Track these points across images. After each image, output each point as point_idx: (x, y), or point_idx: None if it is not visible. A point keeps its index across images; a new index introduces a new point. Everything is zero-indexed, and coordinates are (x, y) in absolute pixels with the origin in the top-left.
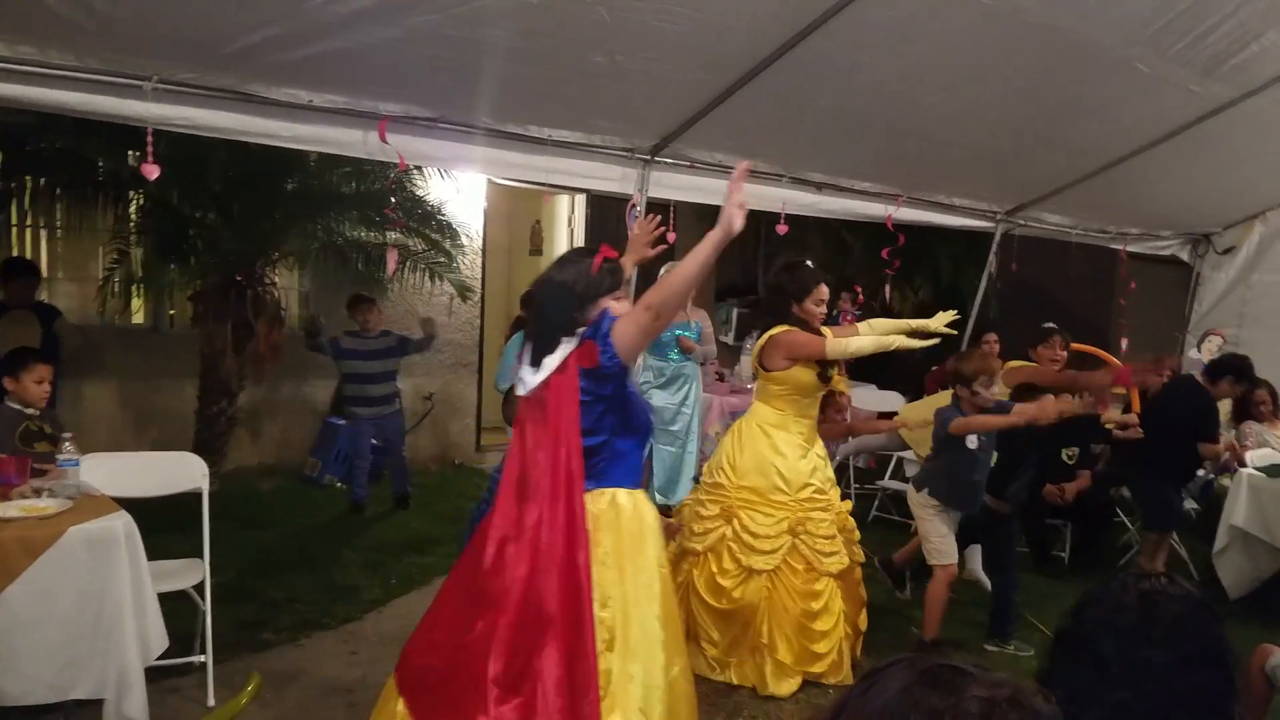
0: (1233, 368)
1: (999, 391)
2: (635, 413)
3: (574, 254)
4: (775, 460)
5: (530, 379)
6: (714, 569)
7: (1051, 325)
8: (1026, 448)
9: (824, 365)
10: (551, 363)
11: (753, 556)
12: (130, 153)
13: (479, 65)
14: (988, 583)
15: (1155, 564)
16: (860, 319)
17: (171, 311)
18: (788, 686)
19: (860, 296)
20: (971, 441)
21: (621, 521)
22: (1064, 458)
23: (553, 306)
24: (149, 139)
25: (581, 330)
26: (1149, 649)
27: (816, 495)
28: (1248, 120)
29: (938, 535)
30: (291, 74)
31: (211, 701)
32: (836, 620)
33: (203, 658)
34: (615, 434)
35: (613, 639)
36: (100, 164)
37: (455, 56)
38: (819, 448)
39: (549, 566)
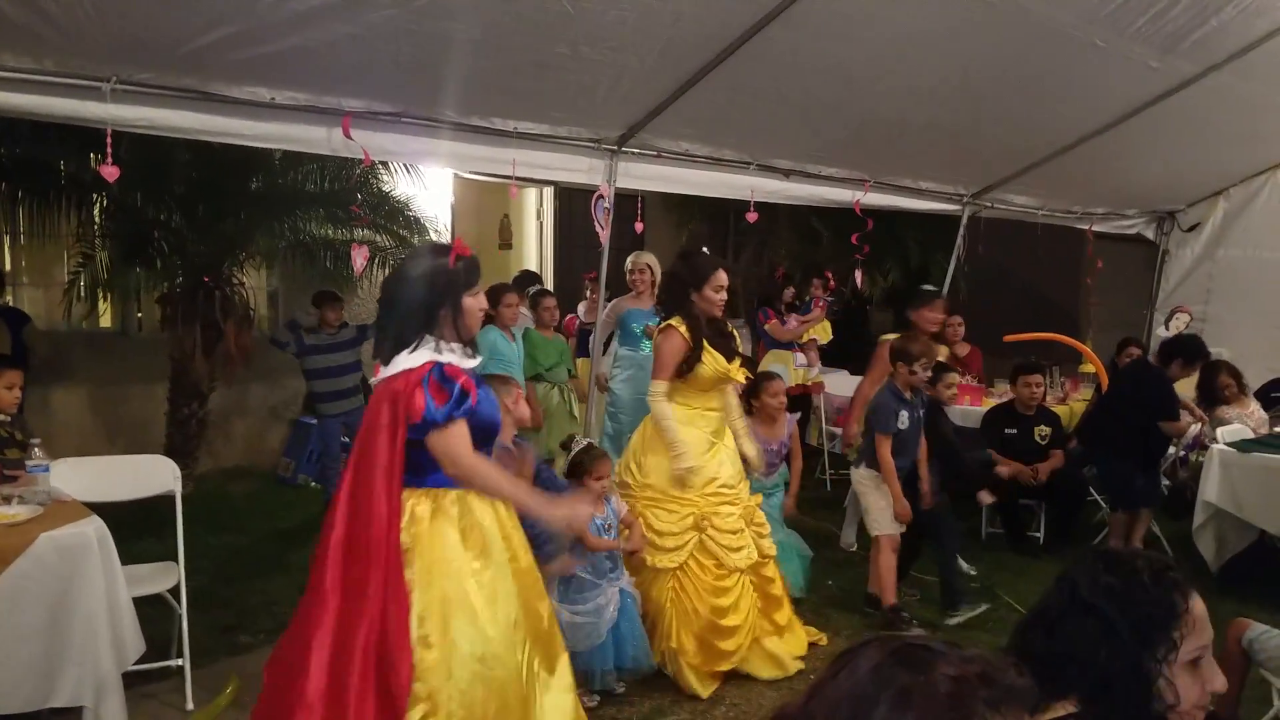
0: (1182, 349)
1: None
2: (488, 418)
3: (429, 249)
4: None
5: (382, 372)
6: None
7: (933, 289)
8: (937, 443)
9: (707, 361)
10: (405, 361)
11: (658, 555)
12: (92, 155)
13: (441, 59)
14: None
15: (1122, 543)
16: (831, 305)
17: (139, 315)
18: (707, 688)
19: (831, 282)
20: (902, 421)
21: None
22: (1037, 438)
23: (409, 301)
24: (108, 141)
25: (443, 343)
26: (1128, 619)
27: (723, 489)
28: (1208, 96)
29: (877, 508)
30: (251, 72)
31: (190, 706)
32: (746, 616)
33: (180, 662)
34: None
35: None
36: (62, 168)
37: (416, 51)
38: (727, 440)
39: (365, 565)
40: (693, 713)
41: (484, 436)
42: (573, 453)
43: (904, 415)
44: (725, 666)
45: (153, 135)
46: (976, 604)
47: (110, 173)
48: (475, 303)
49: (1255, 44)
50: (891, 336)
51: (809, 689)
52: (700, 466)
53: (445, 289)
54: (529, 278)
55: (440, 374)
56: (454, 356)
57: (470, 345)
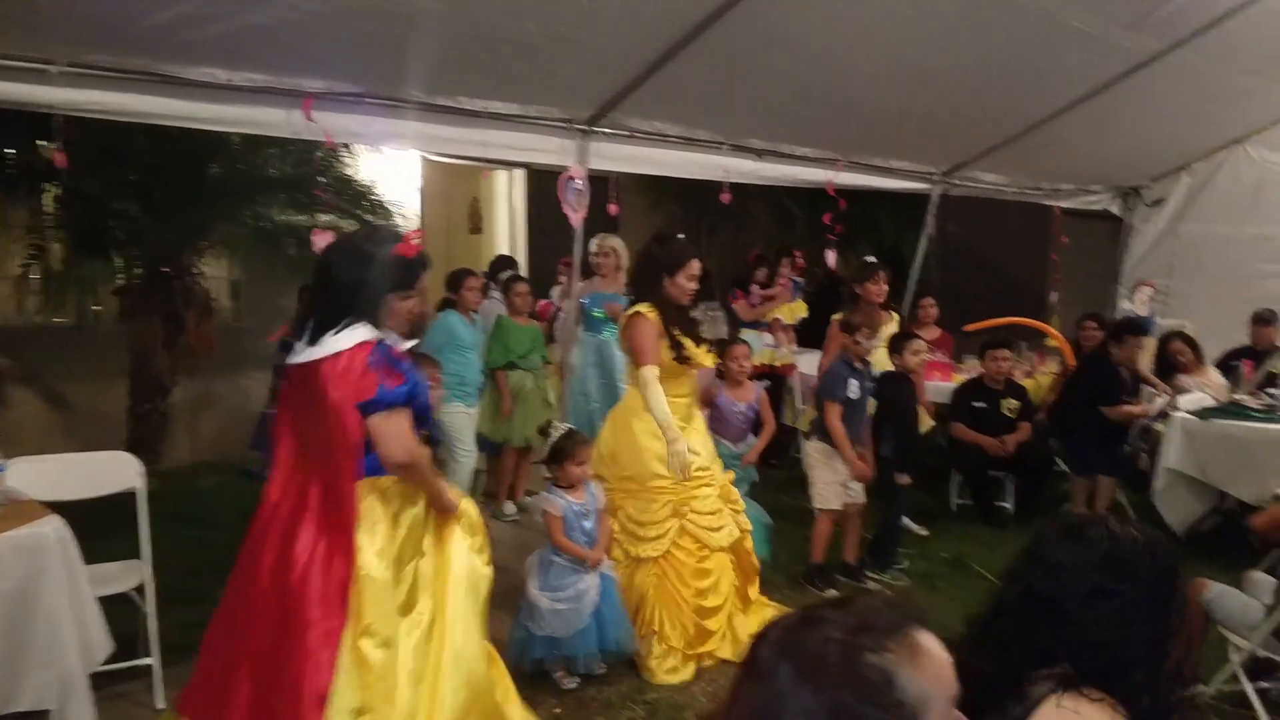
0: (1110, 332)
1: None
2: (422, 403)
3: (389, 234)
4: (653, 446)
5: (306, 352)
6: None
7: (874, 260)
8: (887, 415)
9: (677, 348)
10: (333, 344)
11: (640, 545)
12: (42, 143)
13: (405, 36)
14: (918, 529)
15: (1079, 508)
16: (801, 286)
17: (97, 307)
18: (679, 675)
19: (800, 261)
20: (852, 391)
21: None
22: (1005, 411)
23: (361, 282)
24: (59, 126)
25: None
26: (1114, 583)
27: (698, 473)
28: (1173, 73)
29: (823, 482)
30: (207, 53)
31: (160, 705)
32: (725, 596)
33: (149, 660)
34: None
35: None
36: (11, 155)
37: (379, 28)
38: (697, 423)
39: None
40: (672, 689)
41: (419, 421)
42: (553, 438)
43: (854, 385)
44: (708, 647)
45: (106, 120)
46: (898, 576)
47: (60, 159)
48: (405, 306)
49: (1217, 21)
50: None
51: (728, 699)
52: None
53: (377, 283)
54: (504, 263)
55: (386, 354)
56: (390, 338)
57: (409, 331)
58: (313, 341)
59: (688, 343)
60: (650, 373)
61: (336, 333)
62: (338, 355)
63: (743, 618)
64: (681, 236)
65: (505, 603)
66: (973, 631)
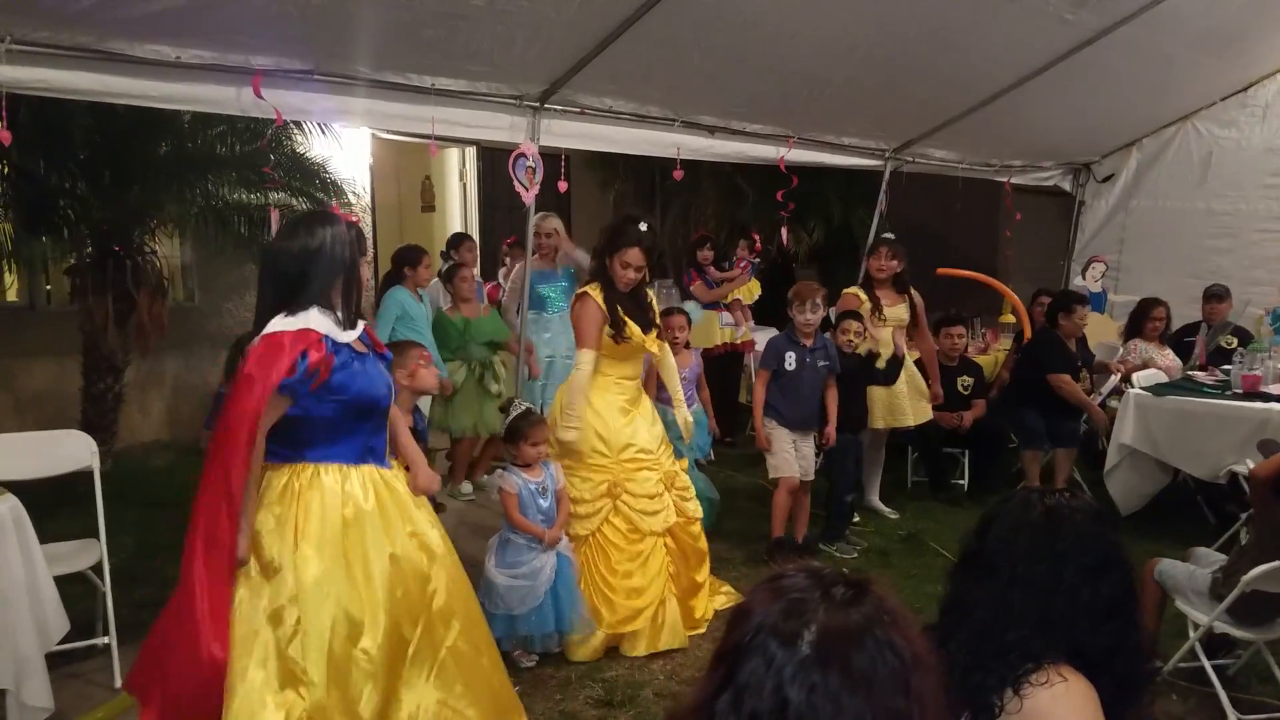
0: (1058, 303)
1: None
2: (356, 393)
3: (322, 216)
4: (594, 423)
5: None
6: None
7: (889, 236)
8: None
9: (617, 326)
10: (281, 324)
11: (572, 522)
12: None
13: (352, 11)
14: (888, 511)
15: (1033, 482)
16: (757, 265)
17: (47, 287)
18: (586, 651)
19: (758, 244)
20: (789, 363)
21: (325, 499)
22: (960, 388)
23: (303, 268)
24: (1, 104)
25: (323, 310)
26: (1057, 561)
27: (640, 455)
28: (1120, 49)
29: (776, 454)
30: (152, 29)
31: (118, 684)
32: (653, 578)
33: (106, 640)
34: (318, 410)
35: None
36: None
37: (325, 4)
38: (644, 408)
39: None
40: (630, 667)
41: (360, 412)
42: (510, 417)
43: (790, 357)
44: (632, 627)
45: (51, 97)
46: (848, 550)
47: (4, 137)
48: (365, 272)
49: None
50: (853, 290)
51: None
52: (578, 440)
53: (344, 258)
54: (460, 240)
55: (292, 339)
56: (330, 324)
57: (356, 314)
58: (262, 325)
59: (634, 327)
60: (585, 355)
61: (290, 315)
62: (278, 335)
63: (691, 601)
64: (643, 225)
65: None
66: (940, 618)
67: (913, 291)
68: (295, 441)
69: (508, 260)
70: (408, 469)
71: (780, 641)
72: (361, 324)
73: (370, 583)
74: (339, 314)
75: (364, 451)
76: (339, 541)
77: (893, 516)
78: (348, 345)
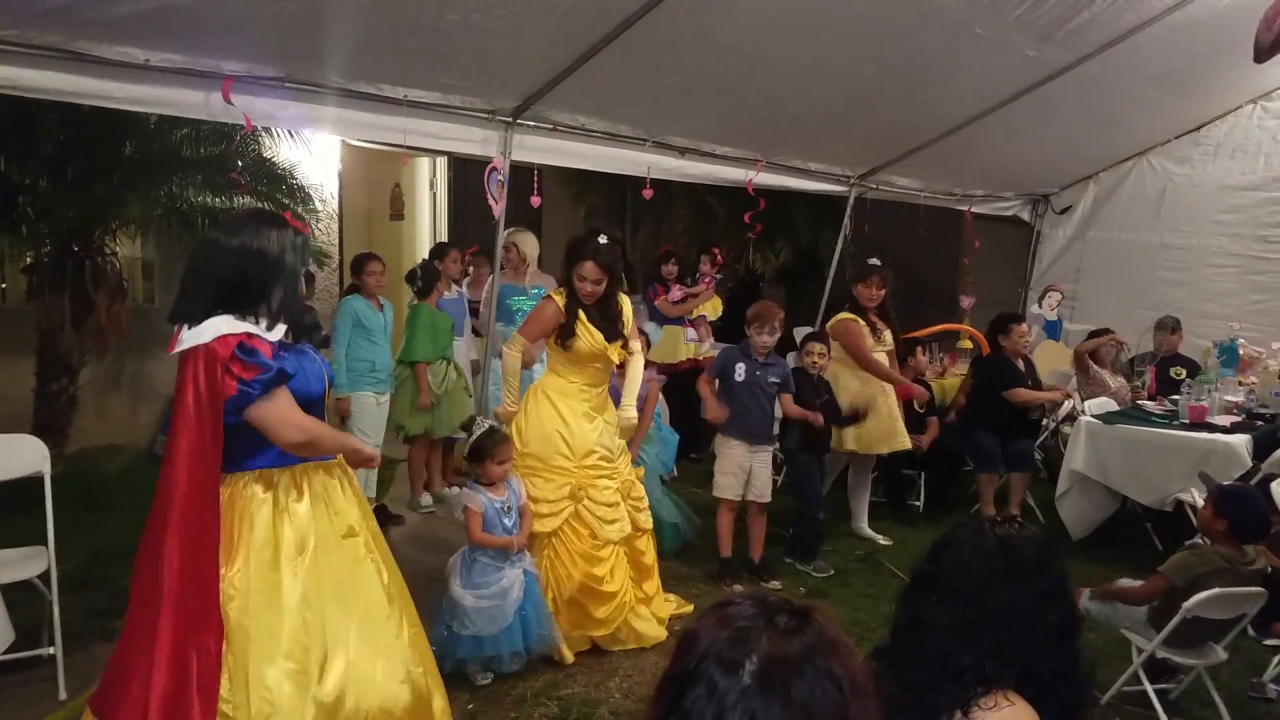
0: (995, 327)
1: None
2: (294, 394)
3: (268, 218)
4: (559, 429)
5: (186, 341)
6: None
7: (875, 263)
8: (800, 403)
9: (565, 335)
10: (207, 332)
11: (535, 521)
12: None
13: (325, 20)
14: (880, 538)
15: (988, 505)
16: (720, 281)
17: (3, 285)
18: (571, 652)
19: (719, 258)
20: (738, 374)
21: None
22: (915, 407)
23: (240, 269)
24: None
25: (249, 316)
26: (1011, 588)
27: (601, 463)
28: (1081, 85)
29: (720, 471)
30: (122, 31)
31: (63, 695)
32: (621, 586)
33: (52, 650)
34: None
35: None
36: None
37: (299, 11)
38: (609, 415)
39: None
40: (587, 685)
41: (305, 408)
42: (474, 435)
43: (740, 368)
44: (598, 633)
45: (16, 96)
46: (824, 569)
47: None
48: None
49: (1123, 36)
50: (848, 316)
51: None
52: (505, 424)
53: (289, 266)
54: (444, 250)
55: (243, 348)
56: (254, 328)
57: (292, 322)
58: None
59: (595, 334)
60: (514, 343)
61: (195, 325)
62: (199, 350)
63: (646, 609)
64: (602, 239)
65: (415, 597)
66: (892, 638)
67: (890, 319)
68: (231, 453)
69: (471, 270)
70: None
71: (723, 670)
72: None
73: (295, 592)
74: (265, 320)
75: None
76: (266, 555)
77: (885, 543)
78: (279, 342)
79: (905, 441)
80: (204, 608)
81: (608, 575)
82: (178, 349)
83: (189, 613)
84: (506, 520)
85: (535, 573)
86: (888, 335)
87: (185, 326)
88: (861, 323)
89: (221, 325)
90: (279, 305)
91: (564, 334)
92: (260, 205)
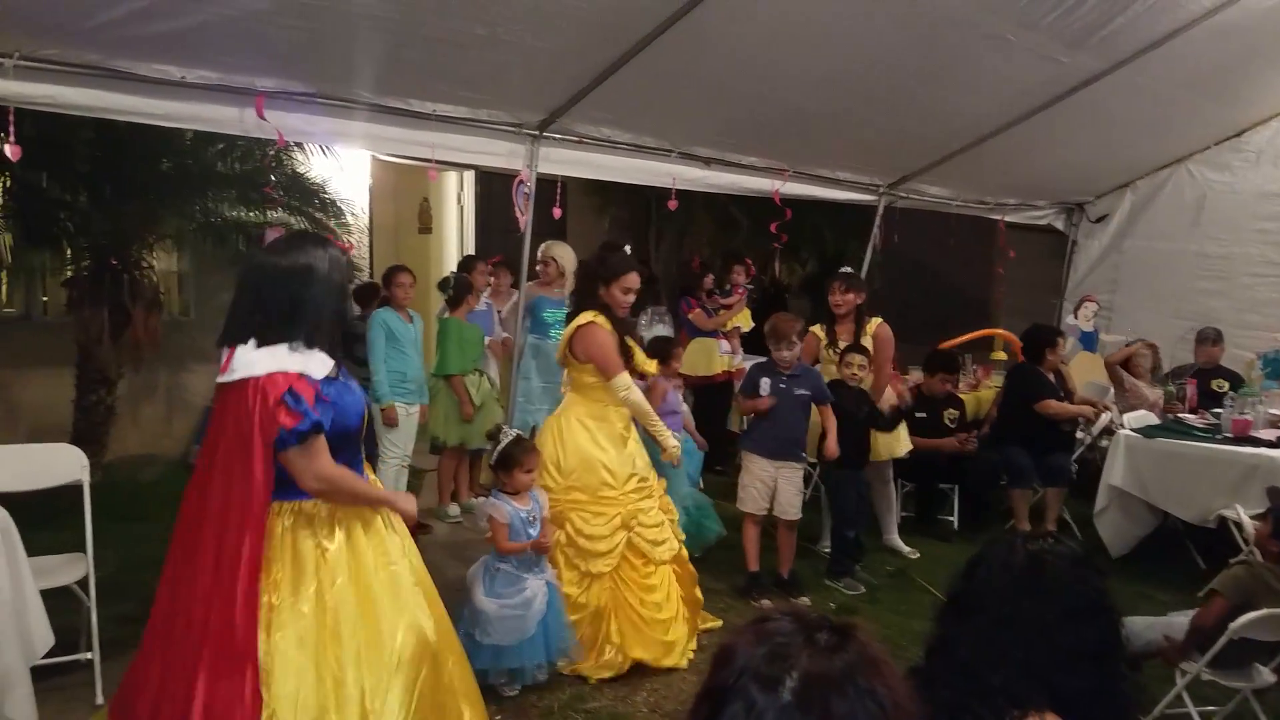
0: (1043, 339)
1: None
2: (335, 430)
3: (319, 240)
4: (599, 456)
5: (236, 370)
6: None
7: (845, 271)
8: (836, 415)
9: (626, 356)
10: (262, 364)
11: (591, 560)
12: None
13: (355, 37)
14: (908, 551)
15: (1021, 520)
16: (751, 293)
17: (44, 299)
18: (608, 670)
19: (751, 269)
20: (764, 389)
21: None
22: (946, 420)
23: (294, 295)
24: (10, 119)
25: (301, 346)
26: (1040, 606)
27: (641, 484)
28: (1116, 91)
29: (743, 485)
30: (160, 49)
31: (100, 700)
32: (677, 606)
33: (89, 655)
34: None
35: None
36: None
37: (329, 28)
38: (636, 434)
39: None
40: (614, 699)
41: (340, 444)
42: (501, 444)
43: (765, 383)
44: (670, 660)
45: (56, 113)
46: (855, 586)
47: (14, 152)
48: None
49: (1160, 41)
50: (816, 328)
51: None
52: (679, 444)
53: (338, 287)
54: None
55: (292, 393)
56: (310, 362)
57: (338, 343)
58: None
59: (635, 350)
60: (627, 379)
61: (266, 347)
62: (256, 385)
63: (694, 619)
64: (627, 249)
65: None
66: (926, 659)
67: (876, 323)
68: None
69: (491, 280)
70: None
71: (762, 686)
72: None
73: (338, 632)
74: (320, 345)
75: None
76: (310, 587)
77: (913, 556)
78: (325, 378)
79: (905, 444)
80: (239, 638)
81: (665, 599)
82: (228, 377)
83: (221, 647)
84: (531, 530)
85: (557, 584)
86: (865, 343)
87: (236, 351)
88: (821, 334)
89: (275, 360)
90: (328, 324)
91: (626, 356)
92: (296, 222)
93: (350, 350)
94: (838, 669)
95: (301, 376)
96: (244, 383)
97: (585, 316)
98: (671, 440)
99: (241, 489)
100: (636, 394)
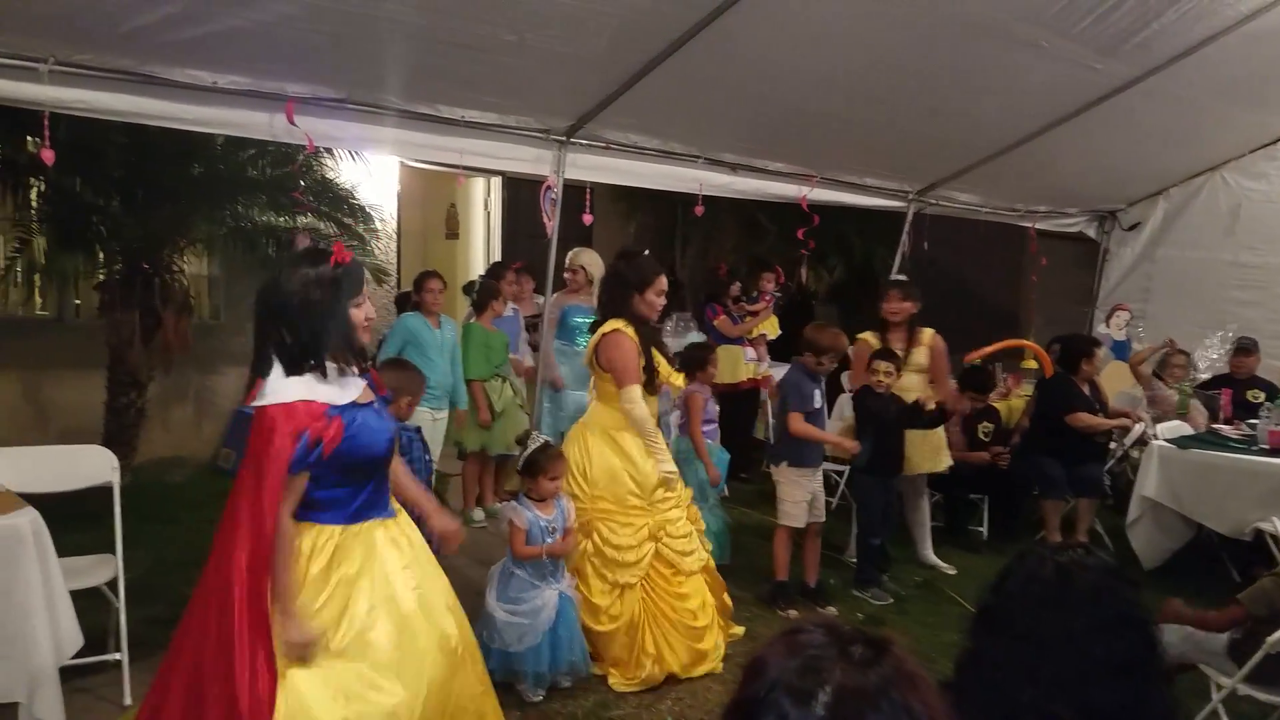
0: (1081, 348)
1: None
2: (356, 454)
3: (305, 256)
4: (625, 466)
5: (266, 397)
6: (584, 590)
7: (900, 278)
8: (865, 422)
9: (649, 372)
10: (281, 392)
11: (619, 571)
12: (29, 138)
13: (384, 43)
14: (945, 566)
15: (1053, 532)
16: (779, 299)
17: (77, 302)
18: (637, 683)
19: (780, 277)
20: (816, 400)
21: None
22: (980, 434)
23: (289, 318)
24: (45, 123)
25: (316, 372)
26: (1068, 618)
27: (668, 494)
28: (1149, 98)
29: (791, 500)
30: (192, 55)
31: (128, 700)
32: (712, 614)
33: (118, 656)
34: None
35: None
36: None
37: (359, 34)
38: (663, 443)
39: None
40: (638, 706)
41: (359, 472)
42: (529, 450)
43: (817, 394)
44: (704, 668)
45: (90, 118)
46: (881, 597)
47: (48, 156)
48: (360, 313)
49: (1194, 48)
50: (867, 335)
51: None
52: (675, 471)
53: (328, 302)
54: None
55: (310, 430)
56: (328, 388)
57: (359, 357)
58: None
59: (662, 360)
60: (636, 392)
61: (285, 375)
62: (279, 411)
63: (727, 628)
64: (646, 253)
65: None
66: (956, 674)
67: (930, 334)
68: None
69: (513, 288)
70: (418, 520)
71: (794, 700)
72: (362, 380)
73: (362, 652)
74: (339, 366)
75: (359, 509)
76: (330, 610)
77: (950, 571)
78: (350, 403)
79: (947, 460)
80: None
81: (701, 607)
82: (260, 402)
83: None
84: (550, 540)
85: (573, 596)
86: (917, 354)
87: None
88: (874, 342)
89: (303, 389)
90: (337, 343)
91: (649, 373)
92: (325, 228)
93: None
94: (872, 683)
95: (297, 403)
96: (278, 406)
97: (611, 324)
98: (668, 465)
99: (252, 507)
100: (641, 410)
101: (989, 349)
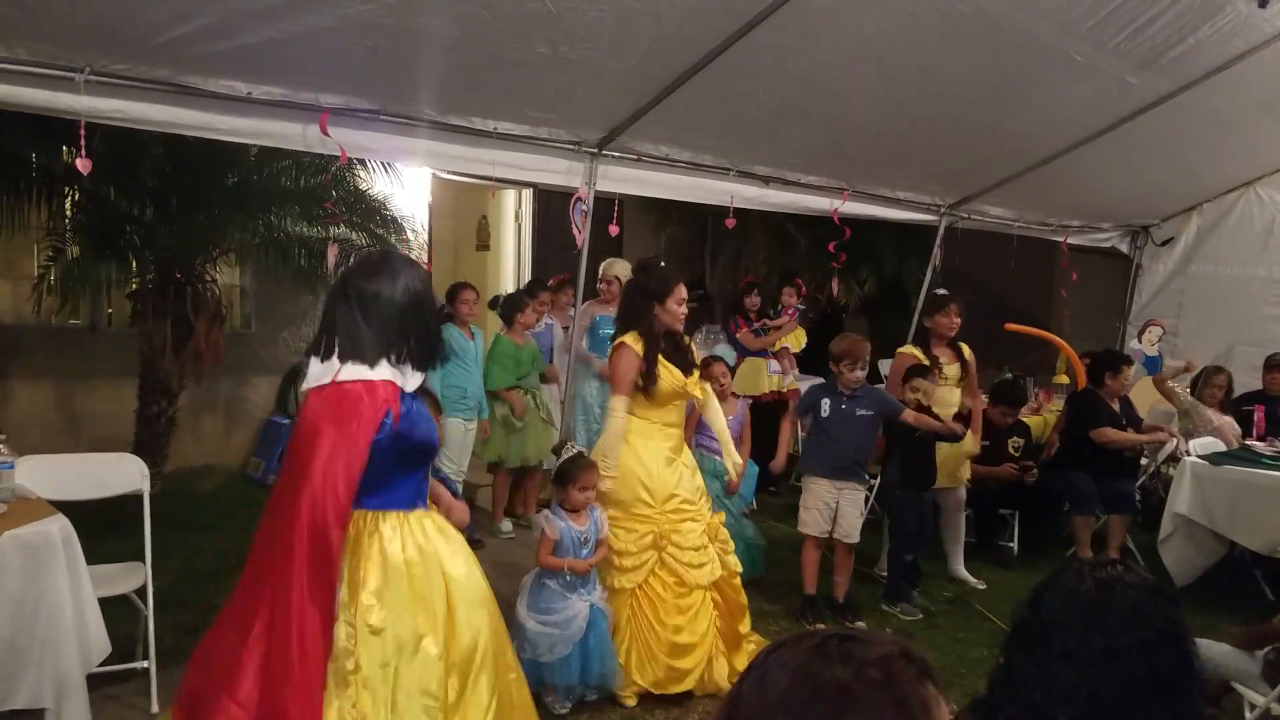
0: (1107, 363)
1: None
2: (418, 439)
3: (405, 260)
4: (638, 471)
5: (316, 375)
6: None
7: (945, 292)
8: (895, 435)
9: (648, 379)
10: (357, 372)
11: (616, 575)
12: (64, 148)
13: (418, 55)
14: (975, 582)
15: (1084, 548)
16: (804, 313)
17: (109, 310)
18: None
19: (803, 289)
20: (824, 410)
21: (384, 546)
22: (1010, 449)
23: (386, 311)
24: (81, 132)
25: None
26: (1108, 636)
27: (684, 506)
28: (1184, 113)
29: (805, 508)
30: (227, 65)
31: (155, 709)
32: (701, 635)
33: (145, 664)
34: (379, 456)
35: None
36: (33, 159)
37: (393, 46)
38: (686, 457)
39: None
40: (666, 719)
41: (418, 457)
42: (561, 458)
43: (826, 404)
44: (681, 688)
45: (125, 127)
46: (911, 612)
47: (84, 165)
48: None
49: (1230, 63)
50: (910, 348)
51: (728, 701)
52: (620, 489)
53: (426, 302)
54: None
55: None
56: (396, 374)
57: (433, 353)
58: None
59: (675, 371)
60: (619, 402)
61: (364, 363)
62: (367, 386)
63: (735, 655)
64: (663, 264)
65: None
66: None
67: (964, 347)
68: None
69: (541, 309)
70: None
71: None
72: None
73: (434, 624)
74: (407, 360)
75: (415, 496)
76: (402, 588)
77: (980, 587)
78: (410, 393)
79: (966, 472)
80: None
81: (690, 625)
82: (342, 378)
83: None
84: (583, 551)
85: (604, 609)
86: (954, 367)
87: (339, 361)
88: (919, 354)
89: (387, 372)
90: (419, 342)
91: (647, 379)
92: (358, 239)
93: None
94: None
95: (381, 382)
96: (359, 383)
97: (622, 338)
98: (606, 485)
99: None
100: (618, 422)
101: (1030, 329)
